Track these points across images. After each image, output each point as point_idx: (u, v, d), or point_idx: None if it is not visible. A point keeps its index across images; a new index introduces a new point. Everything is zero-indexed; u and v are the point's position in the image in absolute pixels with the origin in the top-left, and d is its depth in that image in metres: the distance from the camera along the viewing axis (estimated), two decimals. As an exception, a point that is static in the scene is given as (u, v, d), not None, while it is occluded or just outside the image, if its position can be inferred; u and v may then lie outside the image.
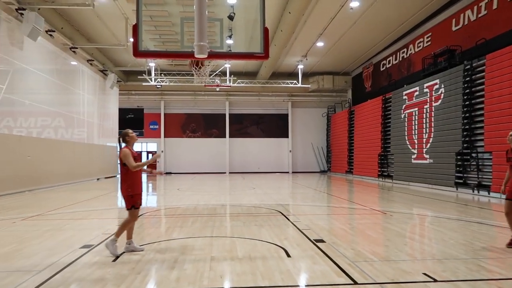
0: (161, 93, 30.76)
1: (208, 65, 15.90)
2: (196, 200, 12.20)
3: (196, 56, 6.63)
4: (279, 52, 22.22)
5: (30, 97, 15.98)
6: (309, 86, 28.93)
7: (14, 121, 15.05)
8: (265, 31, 7.34)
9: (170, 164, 31.26)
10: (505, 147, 12.39)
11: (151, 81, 25.72)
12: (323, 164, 32.34)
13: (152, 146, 31.60)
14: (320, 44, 22.20)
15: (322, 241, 5.99)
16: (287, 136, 32.22)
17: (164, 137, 31.37)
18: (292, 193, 15.09)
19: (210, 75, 24.12)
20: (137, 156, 5.50)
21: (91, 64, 22.46)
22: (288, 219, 8.18)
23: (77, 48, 19.53)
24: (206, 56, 6.72)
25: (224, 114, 31.80)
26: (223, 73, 25.33)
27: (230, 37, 17.36)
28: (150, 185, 20.44)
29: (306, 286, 4.07)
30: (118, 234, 5.26)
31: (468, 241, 6.01)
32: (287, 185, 19.71)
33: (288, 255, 5.17)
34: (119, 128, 28.98)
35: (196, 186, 18.14)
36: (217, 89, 27.75)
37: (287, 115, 32.22)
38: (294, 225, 7.48)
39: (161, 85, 26.86)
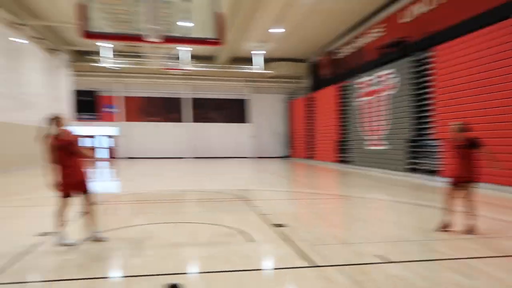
0: (118, 75, 29.65)
1: (165, 48, 15.54)
2: (158, 185, 12.05)
3: (148, 40, 6.48)
4: (237, 37, 22.05)
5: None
6: (269, 71, 29.03)
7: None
8: (220, 16, 7.27)
9: (129, 149, 30.47)
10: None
11: (106, 62, 24.70)
12: (284, 150, 32.81)
13: (108, 130, 30.58)
14: (279, 30, 22.16)
15: (283, 225, 6.14)
16: (248, 121, 32.31)
17: (122, 120, 30.44)
18: (254, 178, 15.27)
19: (169, 58, 23.60)
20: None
21: (39, 42, 21.13)
22: (251, 204, 8.29)
23: (24, 25, 18.32)
24: (159, 40, 6.58)
25: (184, 99, 31.30)
26: (183, 56, 24.81)
27: (187, 20, 17.02)
28: (110, 170, 19.90)
29: (267, 269, 4.19)
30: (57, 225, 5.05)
31: (420, 224, 6.40)
32: (248, 170, 19.87)
33: (250, 240, 5.27)
34: (73, 111, 27.76)
35: (157, 172, 17.86)
36: (175, 73, 27.18)
37: (247, 100, 32.24)
38: (256, 210, 7.61)
39: (117, 66, 25.91)
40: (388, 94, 17.24)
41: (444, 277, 3.91)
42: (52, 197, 5.18)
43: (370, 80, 18.85)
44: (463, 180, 5.75)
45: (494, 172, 8.80)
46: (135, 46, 24.62)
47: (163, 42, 7.06)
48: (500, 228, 6.10)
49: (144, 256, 4.51)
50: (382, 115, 17.80)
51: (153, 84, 30.48)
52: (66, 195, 5.12)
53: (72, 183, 5.10)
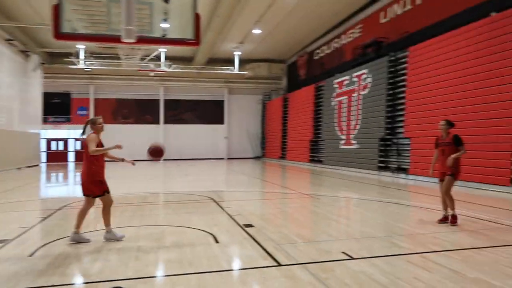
0: (91, 77, 29.04)
1: (140, 49, 15.29)
2: (127, 188, 11.82)
3: (124, 40, 6.36)
4: (215, 38, 21.98)
5: None
6: (246, 72, 29.04)
7: None
8: (197, 17, 7.21)
9: (101, 151, 29.81)
10: (421, 133, 13.49)
11: (79, 64, 24.10)
12: (258, 150, 32.85)
13: (80, 133, 29.83)
14: (257, 31, 22.27)
15: (251, 226, 6.12)
16: (223, 123, 32.18)
17: (94, 123, 29.75)
18: (225, 180, 15.20)
19: (143, 59, 23.25)
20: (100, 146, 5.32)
21: (10, 44, 20.44)
22: (220, 206, 8.23)
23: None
24: (134, 40, 6.46)
25: (159, 100, 30.91)
26: (158, 58, 24.50)
27: (165, 21, 16.83)
28: (77, 173, 19.41)
29: (232, 270, 4.15)
30: (77, 225, 5.14)
31: (385, 220, 6.51)
32: (221, 171, 19.78)
33: (217, 241, 5.22)
34: (44, 114, 26.99)
35: (127, 174, 17.54)
36: (151, 74, 26.81)
37: (223, 101, 32.12)
38: (225, 211, 7.56)
39: (90, 68, 25.34)
40: (363, 94, 17.52)
41: (404, 271, 3.97)
42: (11, 202, 4.97)
43: (346, 80, 19.11)
44: (444, 175, 6.24)
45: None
46: (110, 47, 24.09)
47: (139, 42, 6.94)
48: (461, 222, 6.27)
49: (106, 260, 4.40)
50: (355, 115, 18.07)
51: (127, 86, 29.97)
52: (97, 194, 5.28)
53: (101, 181, 5.30)
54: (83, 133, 5.36)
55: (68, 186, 13.89)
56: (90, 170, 5.13)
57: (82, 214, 5.22)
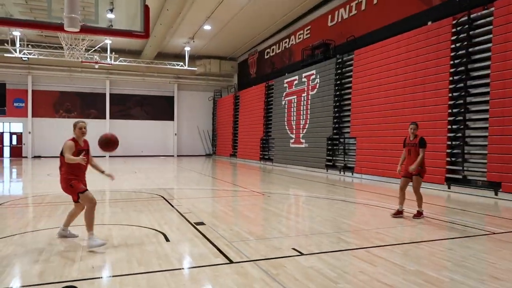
0: (29, 67, 27.18)
1: (84, 40, 14.56)
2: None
3: (66, 29, 6.02)
4: (164, 32, 21.48)
5: None
6: (196, 69, 28.69)
7: None
8: (146, 8, 7.00)
9: (40, 147, 28.06)
10: (366, 133, 14.11)
11: (16, 52, 22.47)
12: (208, 148, 32.63)
13: (17, 126, 27.88)
14: (207, 27, 22.10)
15: (202, 223, 6.08)
16: (172, 119, 31.57)
17: (32, 116, 27.94)
18: (175, 177, 14.95)
19: (88, 50, 22.16)
20: (86, 150, 5.06)
21: None
22: (170, 203, 8.09)
23: None
24: (77, 30, 6.14)
25: (104, 94, 29.64)
26: (104, 49, 23.49)
27: (111, 11, 16.14)
28: (14, 170, 18.15)
29: (183, 269, 4.10)
30: (89, 227, 4.75)
31: (333, 217, 6.75)
32: (171, 168, 19.43)
33: (167, 240, 5.14)
34: (-26, 105, 24.90)
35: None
36: (96, 66, 25.63)
37: (173, 97, 31.50)
38: (175, 209, 7.44)
39: (28, 57, 23.73)
40: (312, 94, 17.97)
41: (351, 265, 4.15)
42: None
43: (295, 80, 19.49)
44: (409, 173, 6.66)
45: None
46: (51, 36, 22.71)
47: (83, 32, 6.57)
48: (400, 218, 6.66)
49: (48, 262, 4.16)
50: (305, 114, 18.50)
51: (70, 78, 28.42)
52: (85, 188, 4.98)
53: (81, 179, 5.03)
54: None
55: (3, 183, 12.93)
56: (64, 175, 4.93)
57: (88, 215, 4.86)
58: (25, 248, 4.71)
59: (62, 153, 4.87)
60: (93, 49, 22.51)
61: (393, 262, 4.25)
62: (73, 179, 4.86)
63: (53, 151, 28.06)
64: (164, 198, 8.76)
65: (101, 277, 3.84)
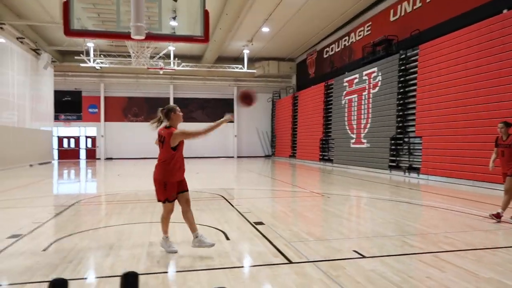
0: (101, 75, 29.28)
1: (149, 48, 15.34)
2: (137, 185, 11.90)
3: (133, 37, 6.39)
4: (224, 36, 21.98)
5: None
6: (255, 71, 29.01)
7: None
8: (205, 13, 7.21)
9: (111, 149, 30.09)
10: (432, 132, 13.34)
11: (90, 62, 24.33)
12: (267, 149, 32.82)
13: (91, 130, 30.15)
14: (265, 29, 22.25)
15: (261, 223, 6.12)
16: (232, 121, 32.21)
17: (104, 121, 30.04)
18: (235, 178, 15.22)
19: (153, 57, 23.39)
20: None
21: (21, 42, 20.71)
22: (230, 203, 8.25)
23: (4, 24, 17.91)
24: (143, 37, 6.49)
25: (168, 98, 31.02)
26: (167, 56, 24.62)
27: (174, 18, 16.91)
28: (89, 170, 19.60)
29: (243, 267, 4.16)
30: (164, 230, 4.64)
31: (396, 220, 6.45)
32: (231, 169, 19.81)
33: (228, 238, 5.23)
34: (55, 112, 27.32)
35: (137, 172, 17.67)
36: (161, 72, 26.93)
37: (233, 99, 32.14)
38: (236, 208, 7.57)
39: (100, 66, 25.55)
40: (373, 92, 17.39)
41: (416, 270, 3.94)
42: (26, 198, 5.03)
43: (356, 78, 18.99)
44: (505, 175, 6.27)
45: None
46: (120, 45, 24.27)
47: (148, 39, 6.95)
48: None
49: (116, 256, 4.44)
50: (366, 113, 17.95)
51: (137, 84, 30.16)
52: (174, 198, 4.63)
53: (178, 183, 4.63)
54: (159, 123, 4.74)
55: (80, 183, 14.03)
56: (160, 169, 4.53)
57: (163, 220, 4.66)
58: (98, 243, 5.06)
59: (166, 145, 4.47)
60: (158, 56, 23.68)
61: (464, 268, 3.96)
62: (168, 177, 4.44)
63: (123, 153, 29.96)
64: (225, 198, 8.95)
65: (166, 272, 4.01)
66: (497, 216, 6.15)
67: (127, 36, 6.58)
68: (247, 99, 4.78)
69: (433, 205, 7.99)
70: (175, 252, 4.54)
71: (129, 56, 24.33)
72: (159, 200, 4.61)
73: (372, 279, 3.65)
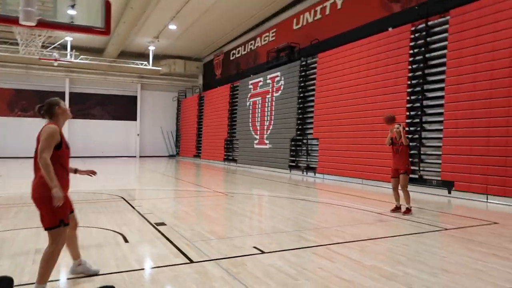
0: (-20, 63, 25.73)
1: (40, 36, 13.96)
2: (23, 187, 10.72)
3: (21, 22, 5.75)
4: (128, 30, 21.00)
5: None
6: (160, 68, 28.21)
7: None
8: (107, 4, 6.82)
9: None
10: (328, 134, 14.39)
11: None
12: (172, 149, 32.16)
13: None
14: (172, 27, 21.78)
15: (163, 224, 5.98)
16: (135, 119, 30.86)
17: (-14, 115, 26.45)
18: (137, 178, 14.64)
19: (46, 47, 21.25)
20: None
21: None
22: (130, 204, 7.91)
23: None
24: (34, 24, 5.88)
25: (63, 92, 28.51)
26: (64, 47, 22.60)
27: (72, 6, 15.61)
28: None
29: (142, 269, 4.02)
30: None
31: (294, 216, 6.83)
32: (133, 169, 19.00)
33: (126, 241, 5.01)
34: None
35: (24, 172, 15.90)
36: (55, 64, 24.61)
37: (136, 97, 30.81)
38: (136, 210, 7.28)
39: (-21, 52, 22.44)
40: (276, 96, 18.14)
41: (310, 262, 4.22)
42: None
43: (260, 81, 19.60)
44: (397, 172, 7.06)
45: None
46: (4, 30, 21.57)
47: (40, 26, 6.28)
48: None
49: (-4, 265, 3.96)
50: (269, 115, 18.64)
51: (26, 75, 27.13)
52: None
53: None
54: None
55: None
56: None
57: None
58: (-28, 252, 4.45)
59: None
60: (53, 46, 21.61)
61: (351, 258, 4.35)
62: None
63: (8, 151, 26.71)
64: (125, 199, 8.55)
65: (58, 280, 3.69)
66: (407, 211, 6.95)
67: (14, 20, 5.91)
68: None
69: (327, 202, 8.64)
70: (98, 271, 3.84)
71: (17, 43, 21.80)
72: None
73: (271, 273, 3.82)
